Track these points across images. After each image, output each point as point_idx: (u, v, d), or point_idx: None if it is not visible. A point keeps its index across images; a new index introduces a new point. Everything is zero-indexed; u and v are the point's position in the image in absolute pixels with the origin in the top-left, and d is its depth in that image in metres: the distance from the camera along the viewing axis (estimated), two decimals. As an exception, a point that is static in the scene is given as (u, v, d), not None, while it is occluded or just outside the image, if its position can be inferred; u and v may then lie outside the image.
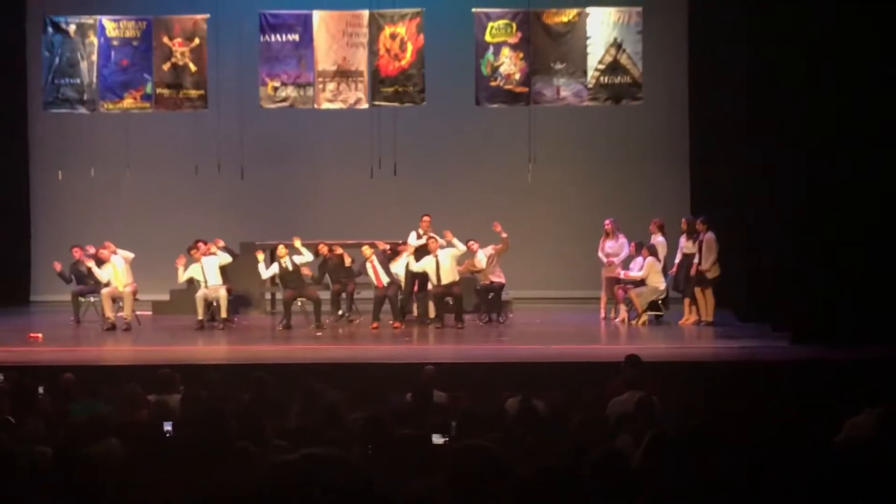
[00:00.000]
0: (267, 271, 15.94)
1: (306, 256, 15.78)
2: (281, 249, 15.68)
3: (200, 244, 15.90)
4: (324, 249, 16.05)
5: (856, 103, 13.10)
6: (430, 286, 15.85)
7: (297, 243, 15.82)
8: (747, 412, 8.00)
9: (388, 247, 15.88)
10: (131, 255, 15.84)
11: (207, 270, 15.66)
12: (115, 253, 15.72)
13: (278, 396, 8.77)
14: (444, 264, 15.53)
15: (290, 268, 15.63)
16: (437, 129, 18.91)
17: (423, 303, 16.02)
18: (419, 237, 15.99)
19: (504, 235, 15.95)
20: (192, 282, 16.14)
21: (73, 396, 9.33)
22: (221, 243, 16.08)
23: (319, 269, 16.09)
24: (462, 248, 15.71)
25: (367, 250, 15.74)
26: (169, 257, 16.33)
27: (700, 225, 15.48)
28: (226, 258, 15.87)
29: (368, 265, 15.71)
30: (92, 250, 16.00)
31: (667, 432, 5.09)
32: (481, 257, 16.15)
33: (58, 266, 16.32)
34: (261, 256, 16.02)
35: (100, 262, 15.74)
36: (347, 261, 15.91)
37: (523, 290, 17.68)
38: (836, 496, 3.98)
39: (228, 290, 15.72)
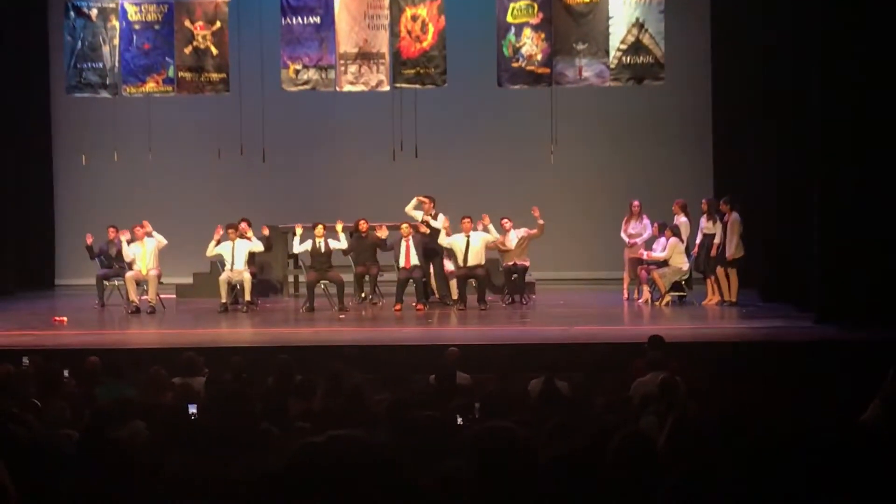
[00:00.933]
0: (300, 246, 15.90)
1: (342, 244, 15.78)
2: (319, 229, 15.69)
3: (244, 224, 15.90)
4: (363, 226, 16.01)
5: (879, 77, 12.98)
6: (452, 267, 15.87)
7: (339, 227, 15.82)
8: (771, 392, 7.98)
9: (427, 230, 15.86)
10: (164, 242, 15.81)
11: (237, 253, 15.65)
12: (149, 235, 15.73)
13: (302, 379, 8.78)
14: (473, 246, 15.56)
15: (322, 249, 15.63)
16: (459, 110, 18.89)
17: (440, 283, 16.03)
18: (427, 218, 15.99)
19: (541, 222, 15.93)
20: (216, 264, 16.19)
21: (98, 380, 9.37)
22: (266, 232, 16.05)
23: (350, 244, 16.03)
24: (497, 236, 15.78)
25: (405, 228, 15.71)
26: (192, 241, 16.39)
27: (724, 206, 15.43)
28: (258, 247, 15.85)
29: (403, 243, 15.67)
30: (128, 234, 15.99)
31: (690, 413, 5.08)
32: (513, 237, 16.12)
33: (89, 238, 16.33)
34: (299, 230, 15.99)
35: (130, 241, 15.78)
36: (384, 233, 15.86)
37: (546, 272, 17.67)
38: (862, 475, 3.96)
39: (252, 274, 15.74)
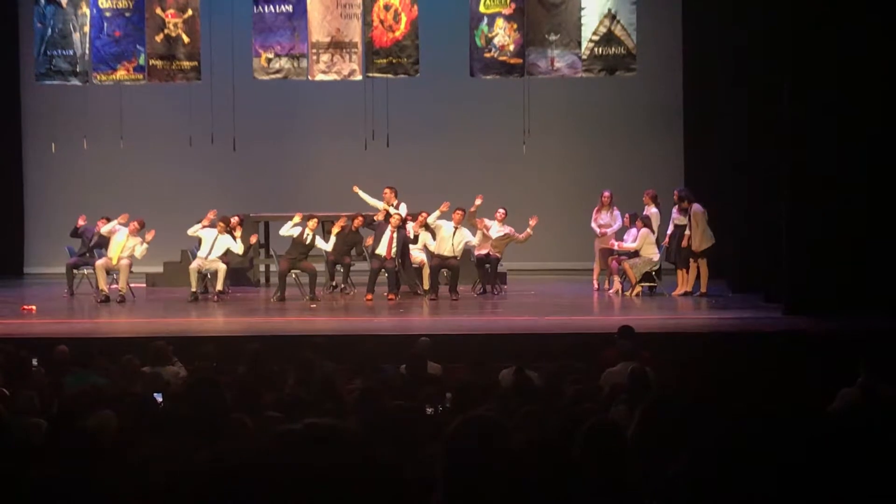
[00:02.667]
0: (289, 230, 15.71)
1: (327, 245, 15.73)
2: (313, 222, 15.62)
3: (235, 219, 15.84)
4: (359, 222, 15.95)
5: (851, 69, 13.08)
6: (421, 257, 15.88)
7: (336, 230, 15.70)
8: (740, 382, 8.03)
9: (411, 236, 15.82)
10: (143, 254, 15.62)
11: (217, 244, 15.56)
12: (141, 237, 15.54)
13: (273, 368, 8.78)
14: (457, 238, 15.57)
15: (307, 241, 15.56)
16: (431, 100, 18.87)
17: (411, 273, 16.04)
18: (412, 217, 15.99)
19: (531, 231, 15.93)
20: (187, 252, 16.14)
21: (66, 368, 9.33)
22: (253, 240, 16.07)
23: (336, 236, 15.96)
24: (476, 241, 15.80)
25: (396, 219, 15.63)
26: (161, 229, 16.30)
27: (681, 201, 15.50)
28: (238, 248, 15.77)
29: (388, 232, 15.59)
30: (120, 220, 15.77)
31: (660, 403, 5.11)
32: (496, 229, 16.07)
33: (82, 220, 16.16)
34: (297, 218, 15.82)
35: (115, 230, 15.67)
36: (358, 222, 15.81)
37: (517, 262, 17.69)
38: (829, 465, 4.00)
39: (225, 263, 15.68)
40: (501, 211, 16.12)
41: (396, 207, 15.96)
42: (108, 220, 15.88)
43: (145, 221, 15.73)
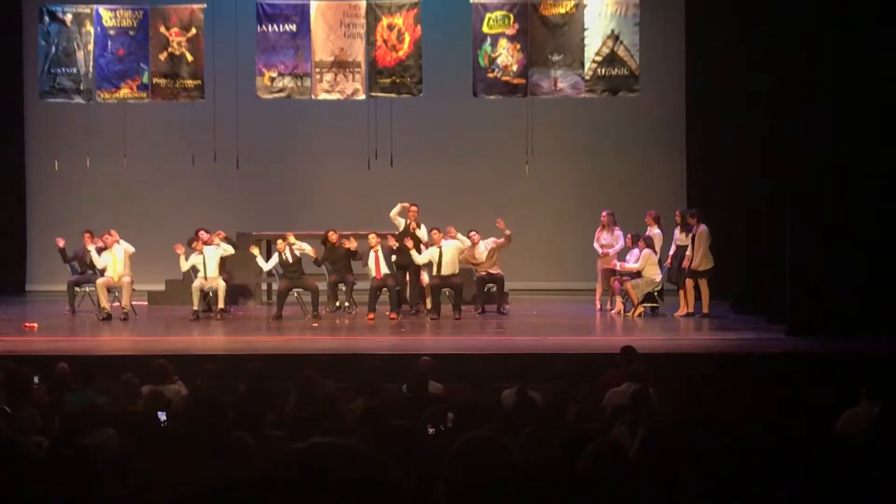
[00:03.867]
0: (267, 264, 15.91)
1: (306, 247, 15.78)
2: (280, 243, 15.68)
3: (202, 233, 15.85)
4: (333, 237, 15.98)
5: (855, 92, 13.09)
6: (427, 278, 15.89)
7: (292, 238, 15.78)
8: (742, 404, 8.01)
9: (395, 244, 15.85)
10: (132, 250, 15.77)
11: (209, 261, 15.61)
12: (117, 242, 15.69)
13: (275, 387, 8.76)
14: (446, 256, 15.60)
15: (291, 260, 15.61)
16: (434, 120, 18.90)
17: (415, 293, 16.04)
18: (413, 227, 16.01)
19: (507, 232, 15.97)
20: (188, 272, 16.15)
21: (68, 386, 9.32)
22: (223, 235, 15.99)
23: (324, 254, 16.01)
24: (467, 242, 15.84)
25: (373, 239, 15.70)
26: (165, 247, 16.32)
27: (691, 218, 15.52)
28: (228, 250, 15.79)
29: (372, 254, 15.68)
30: (100, 242, 15.92)
31: (663, 424, 5.09)
32: (482, 249, 16.16)
33: (61, 242, 16.19)
34: (256, 251, 16.03)
35: (101, 250, 15.74)
36: (353, 245, 15.85)
37: (520, 282, 17.68)
38: (834, 487, 3.98)
39: (226, 281, 15.70)
40: (473, 233, 16.15)
41: (418, 226, 16.01)
42: (92, 234, 15.94)
43: (130, 231, 15.88)
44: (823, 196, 13.23)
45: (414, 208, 16.13)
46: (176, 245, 15.73)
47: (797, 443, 4.37)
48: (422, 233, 16.00)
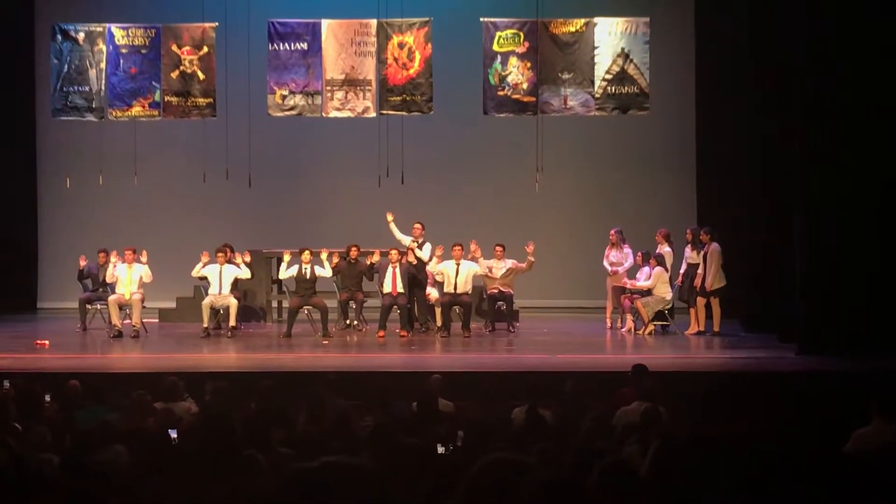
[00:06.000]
0: (286, 272, 15.86)
1: (326, 271, 15.74)
2: (306, 254, 15.66)
3: (227, 249, 15.86)
4: (354, 253, 15.97)
5: (863, 111, 13.09)
6: (435, 294, 15.89)
7: (324, 255, 15.76)
8: (753, 423, 7.98)
9: (415, 261, 15.85)
10: (150, 279, 15.66)
11: (224, 278, 15.61)
12: (140, 262, 15.66)
13: (284, 405, 8.76)
14: (462, 273, 15.60)
15: (308, 275, 15.60)
16: (445, 138, 18.93)
17: (424, 310, 16.04)
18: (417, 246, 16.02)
19: (531, 259, 15.94)
20: (199, 288, 16.17)
21: (79, 403, 9.33)
22: (248, 258, 15.99)
23: (339, 267, 15.97)
24: (484, 270, 15.82)
25: (395, 255, 15.67)
26: (176, 265, 16.37)
27: (704, 236, 15.50)
28: (246, 273, 15.79)
29: (390, 269, 15.63)
30: (115, 257, 15.88)
31: (673, 442, 5.08)
32: (501, 267, 16.12)
33: (83, 261, 16.21)
34: (287, 257, 15.98)
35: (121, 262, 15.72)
36: (376, 258, 15.84)
37: (529, 299, 17.67)
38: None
39: (237, 299, 15.71)
40: (499, 248, 16.17)
41: (420, 246, 16.02)
42: (106, 253, 15.96)
43: (147, 251, 15.80)
44: (834, 213, 13.21)
45: (418, 226, 16.14)
46: (204, 252, 15.69)
47: (808, 462, 4.37)
48: (423, 253, 15.97)
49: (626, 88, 15.91)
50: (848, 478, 4.25)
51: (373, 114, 16.29)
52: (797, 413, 8.88)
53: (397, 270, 15.60)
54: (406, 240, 16.09)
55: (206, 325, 15.47)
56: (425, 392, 9.35)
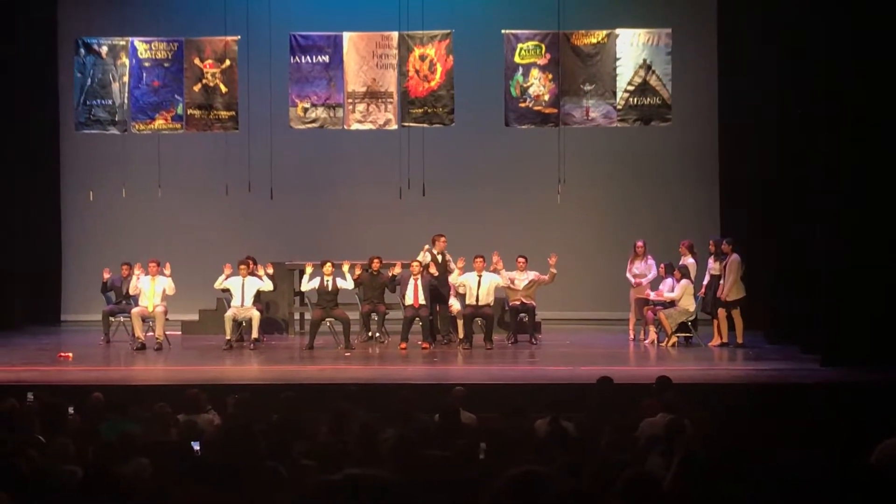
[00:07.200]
0: (308, 284, 15.89)
1: (349, 284, 15.75)
2: (328, 267, 15.68)
3: (250, 261, 15.91)
4: (377, 265, 15.98)
5: (888, 121, 13.02)
6: (457, 307, 15.89)
7: (346, 267, 15.78)
8: (777, 435, 7.94)
9: (436, 273, 15.85)
10: (174, 291, 15.72)
11: (246, 290, 15.65)
12: (164, 274, 15.71)
13: (306, 417, 8.77)
14: (484, 285, 15.59)
15: (330, 287, 15.61)
16: (466, 150, 18.94)
17: (446, 322, 16.04)
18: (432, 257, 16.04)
19: (553, 271, 15.93)
20: (222, 301, 16.20)
21: (102, 416, 9.36)
22: (271, 270, 16.02)
23: (361, 278, 15.97)
24: (505, 282, 15.80)
25: (416, 267, 15.68)
26: (198, 277, 16.41)
27: (725, 246, 15.46)
28: (268, 286, 15.82)
29: (411, 281, 15.64)
30: (138, 270, 15.93)
31: (697, 455, 5.06)
32: (523, 279, 16.12)
33: (107, 273, 16.31)
34: (309, 269, 16.02)
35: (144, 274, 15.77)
36: (398, 270, 15.86)
37: (552, 311, 17.64)
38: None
39: (260, 311, 15.74)
40: (521, 260, 16.18)
41: (444, 260, 16.03)
42: (130, 266, 16.02)
43: (170, 263, 15.85)
44: (858, 224, 13.14)
45: (442, 239, 16.16)
46: (227, 264, 15.74)
47: (832, 474, 4.34)
48: (450, 262, 16.05)
49: (648, 100, 15.89)
50: (872, 490, 4.22)
51: (394, 126, 16.31)
52: (821, 425, 8.82)
53: (419, 282, 15.60)
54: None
55: (228, 337, 15.51)
56: (448, 404, 9.34)
